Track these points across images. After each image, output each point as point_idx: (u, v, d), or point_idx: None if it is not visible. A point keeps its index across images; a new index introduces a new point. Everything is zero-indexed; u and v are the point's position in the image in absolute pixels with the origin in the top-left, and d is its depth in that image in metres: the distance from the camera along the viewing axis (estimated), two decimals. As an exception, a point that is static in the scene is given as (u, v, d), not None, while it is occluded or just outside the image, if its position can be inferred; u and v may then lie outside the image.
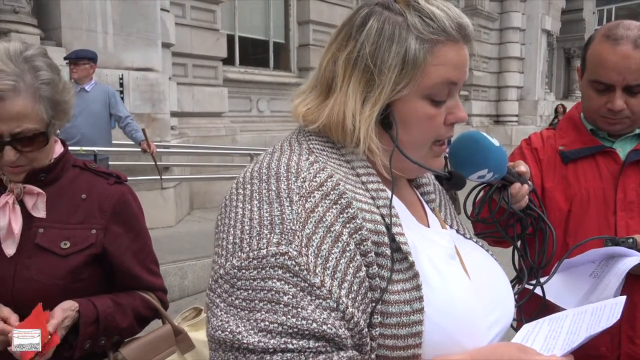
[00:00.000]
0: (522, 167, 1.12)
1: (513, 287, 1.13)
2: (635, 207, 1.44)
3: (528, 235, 1.19)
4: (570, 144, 1.54)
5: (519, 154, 1.62)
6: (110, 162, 5.07)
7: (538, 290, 1.17)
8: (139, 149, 4.95)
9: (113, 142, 5.17)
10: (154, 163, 5.07)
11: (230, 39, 9.11)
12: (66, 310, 1.24)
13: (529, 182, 1.12)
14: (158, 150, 5.36)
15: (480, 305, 0.82)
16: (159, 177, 5.37)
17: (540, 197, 1.50)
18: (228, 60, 8.90)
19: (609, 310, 0.83)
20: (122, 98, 5.70)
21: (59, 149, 1.37)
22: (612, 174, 1.47)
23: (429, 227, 0.93)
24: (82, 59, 4.73)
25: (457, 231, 1.00)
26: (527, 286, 1.15)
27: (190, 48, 7.93)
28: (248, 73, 9.42)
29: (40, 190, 1.30)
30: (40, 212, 1.29)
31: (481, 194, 1.20)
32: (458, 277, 0.83)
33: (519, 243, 1.21)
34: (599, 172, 1.48)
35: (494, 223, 1.12)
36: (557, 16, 17.83)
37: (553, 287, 1.24)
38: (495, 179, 1.05)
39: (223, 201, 0.82)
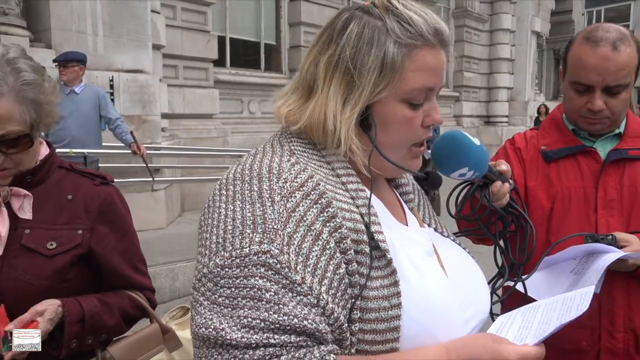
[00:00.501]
0: (504, 165, 1.15)
1: (495, 283, 1.16)
2: (616, 205, 1.47)
3: (510, 233, 1.22)
4: (553, 144, 1.57)
5: (503, 153, 1.65)
6: (100, 164, 5.06)
7: (520, 287, 1.19)
8: (130, 151, 4.95)
9: (103, 144, 5.16)
10: (144, 165, 5.07)
11: (221, 41, 9.10)
12: (46, 305, 1.24)
13: (510, 180, 1.14)
14: (149, 152, 5.35)
15: (457, 300, 0.85)
16: (149, 179, 5.36)
17: (523, 195, 1.54)
18: (219, 62, 8.90)
19: (578, 300, 0.86)
20: (112, 100, 5.69)
21: (44, 150, 1.37)
22: (593, 173, 1.50)
23: (407, 225, 0.95)
24: (71, 61, 4.72)
25: (435, 230, 1.02)
26: (508, 282, 1.17)
27: (181, 49, 7.92)
28: (239, 74, 9.42)
29: (27, 192, 1.31)
30: (26, 214, 1.30)
31: (463, 192, 1.22)
32: (435, 273, 0.86)
33: (500, 241, 1.24)
34: (580, 171, 1.52)
35: (476, 220, 1.14)
36: (547, 18, 17.96)
37: (535, 283, 1.27)
38: (476, 177, 1.07)
39: (206, 202, 0.84)
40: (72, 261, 1.31)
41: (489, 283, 1.14)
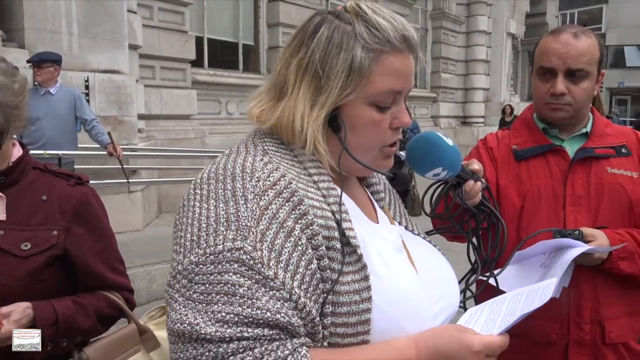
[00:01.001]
0: (476, 165, 1.18)
1: (469, 279, 1.19)
2: (583, 202, 1.52)
3: (482, 230, 1.26)
4: (523, 143, 1.62)
5: (475, 153, 1.69)
6: (76, 166, 4.99)
7: (493, 281, 1.23)
8: (106, 152, 4.89)
9: (79, 145, 5.09)
10: (120, 166, 5.02)
11: (199, 41, 9.04)
12: (12, 307, 1.23)
13: (482, 179, 1.17)
14: (125, 153, 5.30)
15: (426, 295, 0.88)
16: (125, 180, 5.31)
17: (495, 194, 1.58)
18: (197, 63, 8.84)
19: (542, 291, 0.90)
20: (88, 100, 5.61)
21: (17, 152, 1.36)
22: (561, 171, 1.55)
23: (378, 223, 0.97)
24: (45, 62, 4.65)
25: (406, 228, 1.05)
26: (481, 277, 1.21)
27: (158, 50, 7.85)
28: (217, 75, 9.37)
29: (0, 194, 1.30)
30: (0, 215, 1.30)
31: (437, 191, 1.25)
32: (404, 269, 0.88)
33: (474, 238, 1.27)
34: (550, 169, 1.56)
35: (449, 218, 1.17)
36: (522, 20, 18.27)
37: (506, 278, 1.30)
38: (450, 177, 1.10)
39: (181, 202, 0.85)
40: (47, 262, 1.30)
41: (462, 279, 1.18)
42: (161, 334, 1.48)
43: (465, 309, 1.01)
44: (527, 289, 0.95)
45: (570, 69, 1.49)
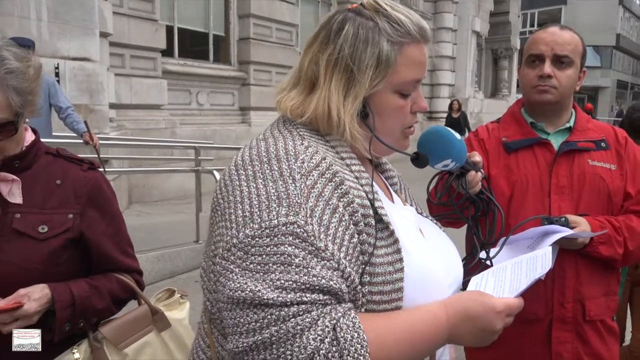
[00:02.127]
0: (477, 157, 1.29)
1: (468, 259, 1.30)
2: (567, 191, 1.66)
3: (479, 216, 1.36)
4: (512, 136, 1.75)
5: (468, 144, 1.80)
6: (48, 154, 4.90)
7: (489, 262, 1.34)
8: (80, 141, 4.82)
9: (53, 133, 5.00)
10: (96, 155, 4.95)
11: (170, 30, 8.93)
12: (31, 288, 1.26)
13: (481, 170, 1.28)
14: (99, 142, 5.23)
15: (443, 266, 0.99)
16: (101, 169, 5.23)
17: (487, 182, 1.70)
18: (167, 52, 8.74)
19: (541, 260, 1.02)
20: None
21: (30, 137, 1.39)
22: (547, 162, 1.68)
23: (394, 204, 1.08)
24: (24, 47, 4.53)
25: (416, 210, 1.16)
26: (480, 258, 1.32)
27: (128, 38, 7.73)
28: (188, 65, 9.28)
29: (15, 177, 1.32)
30: (16, 198, 1.32)
31: (440, 182, 1.36)
32: (425, 244, 0.99)
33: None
34: (536, 161, 1.69)
35: (453, 205, 1.28)
36: (486, 18, 18.69)
37: (499, 259, 1.42)
38: (456, 168, 1.21)
39: (221, 182, 0.92)
40: (63, 245, 1.33)
41: (462, 260, 1.29)
42: (170, 315, 1.53)
43: (466, 287, 1.12)
44: (525, 257, 1.07)
45: (557, 55, 1.64)
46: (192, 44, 9.86)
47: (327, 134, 0.98)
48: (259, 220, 0.81)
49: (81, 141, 4.78)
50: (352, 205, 0.87)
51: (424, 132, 1.18)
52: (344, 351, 0.75)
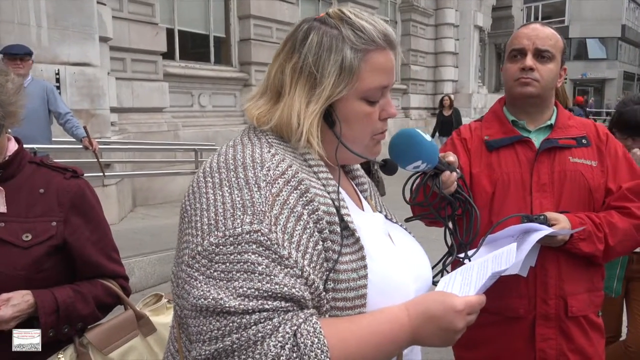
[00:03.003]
0: (451, 157, 1.30)
1: (446, 260, 1.31)
2: (548, 189, 1.66)
3: (457, 216, 1.37)
4: (494, 134, 1.75)
5: (450, 144, 1.82)
6: (50, 160, 4.94)
7: (467, 262, 1.35)
8: (80, 146, 4.86)
9: (53, 139, 5.04)
10: (95, 160, 4.99)
11: (170, 33, 8.97)
12: (12, 294, 1.28)
13: (457, 170, 1.29)
14: (99, 147, 5.27)
15: (409, 273, 0.99)
16: (100, 174, 5.28)
17: (468, 181, 1.71)
18: (168, 55, 8.77)
19: (505, 256, 1.03)
20: (59, 94, 5.55)
21: (13, 146, 1.42)
22: (528, 160, 1.69)
23: (364, 211, 1.09)
24: (27, 55, 4.58)
25: (385, 216, 1.16)
26: (457, 258, 1.33)
27: (128, 42, 7.77)
28: (189, 67, 9.31)
29: (0, 187, 1.35)
30: (0, 207, 1.35)
31: (417, 182, 1.37)
32: (392, 251, 1.01)
33: (450, 223, 1.39)
34: (518, 159, 1.70)
35: (428, 206, 1.29)
36: (488, 13, 18.62)
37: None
38: (428, 169, 1.22)
39: (190, 189, 0.94)
40: (47, 252, 1.36)
41: (440, 260, 1.30)
42: (157, 320, 1.56)
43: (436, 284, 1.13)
44: (490, 255, 1.08)
45: (538, 49, 1.66)
46: (193, 46, 9.90)
47: (293, 142, 0.99)
48: (224, 228, 0.82)
49: (81, 146, 4.82)
50: (317, 213, 0.88)
51: (393, 136, 1.19)
52: (304, 357, 0.76)
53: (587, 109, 20.93)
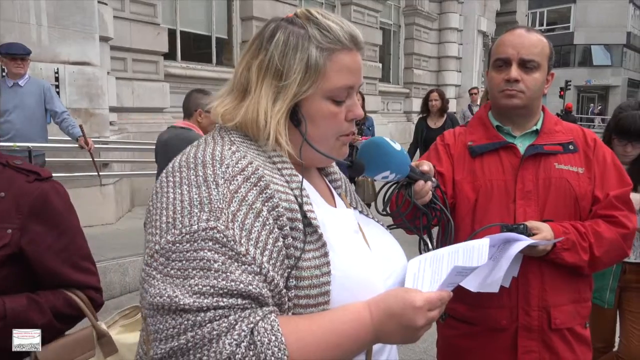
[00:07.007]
0: (425, 166, 1.26)
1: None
2: (533, 196, 1.62)
3: (434, 226, 1.34)
4: (478, 140, 1.71)
5: (434, 150, 1.79)
6: (46, 159, 4.94)
7: None
8: (77, 145, 4.86)
9: (49, 137, 5.04)
10: (91, 159, 4.99)
11: (172, 34, 8.97)
12: None
13: (433, 179, 1.25)
14: (97, 146, 5.28)
15: (379, 269, 0.98)
16: (96, 173, 5.28)
17: (451, 188, 1.68)
18: (169, 55, 8.78)
19: (477, 252, 1.01)
20: (58, 93, 5.55)
21: None
22: (513, 166, 1.65)
23: (336, 207, 1.08)
24: (28, 54, 4.60)
25: (361, 212, 1.16)
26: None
27: (129, 42, 7.77)
28: (190, 68, 9.32)
29: None
30: None
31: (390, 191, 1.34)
32: (360, 247, 0.99)
33: (425, 234, 1.35)
34: (502, 165, 1.66)
35: (401, 216, 1.25)
36: (492, 18, 18.59)
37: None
38: (399, 179, 1.19)
39: (154, 189, 0.93)
40: (1, 261, 1.27)
41: None
42: (127, 337, 1.46)
43: None
44: (461, 245, 1.05)
45: (523, 59, 1.61)
46: (194, 47, 9.90)
47: (258, 139, 0.98)
48: (180, 225, 0.82)
49: (77, 145, 4.82)
50: (277, 209, 0.87)
51: (362, 143, 1.17)
52: (261, 355, 0.75)
53: (593, 116, 20.87)
